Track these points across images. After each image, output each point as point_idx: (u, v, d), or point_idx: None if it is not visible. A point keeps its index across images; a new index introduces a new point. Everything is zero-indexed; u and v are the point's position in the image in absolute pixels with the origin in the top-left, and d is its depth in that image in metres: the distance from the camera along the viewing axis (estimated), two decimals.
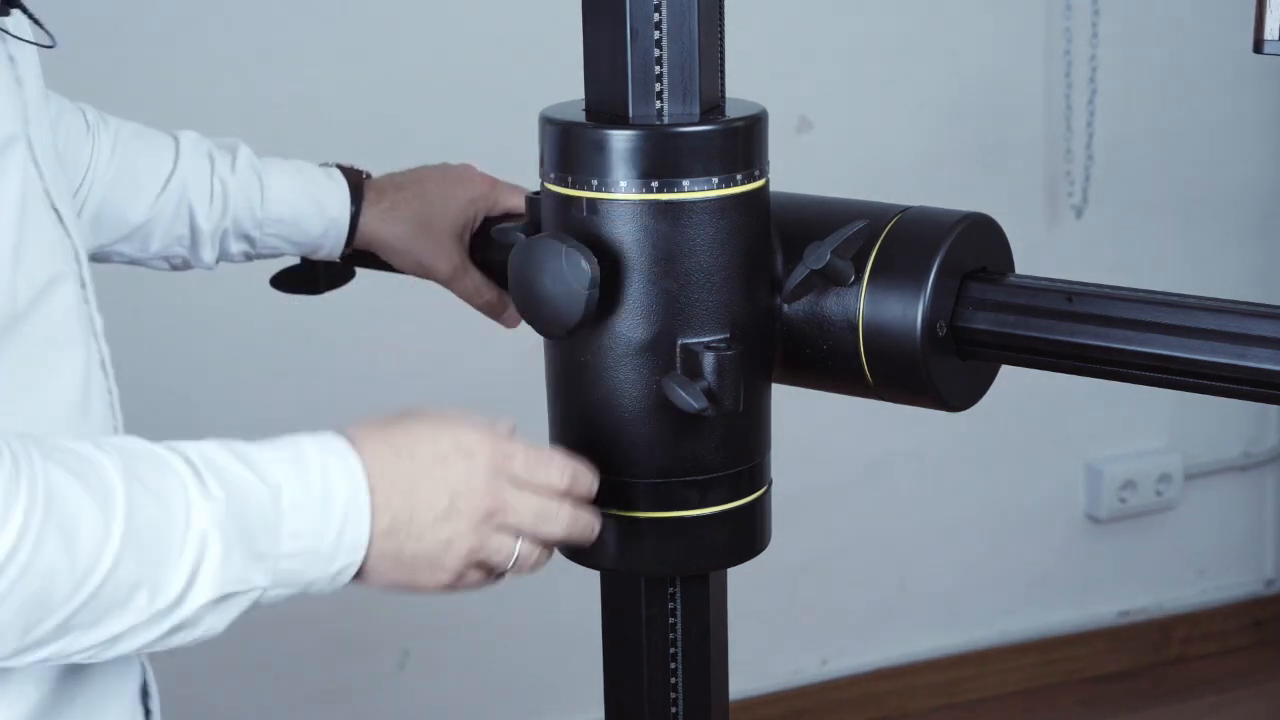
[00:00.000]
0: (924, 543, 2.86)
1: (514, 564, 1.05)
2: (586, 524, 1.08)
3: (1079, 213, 2.77)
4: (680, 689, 1.17)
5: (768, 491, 1.15)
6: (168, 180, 1.36)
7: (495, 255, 1.39)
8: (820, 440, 2.63)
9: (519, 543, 1.04)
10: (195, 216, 1.37)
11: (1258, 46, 0.91)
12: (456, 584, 1.04)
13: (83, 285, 1.06)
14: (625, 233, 1.06)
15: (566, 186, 1.08)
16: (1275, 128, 2.91)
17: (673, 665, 1.16)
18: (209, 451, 0.95)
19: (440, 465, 1.01)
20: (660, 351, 1.07)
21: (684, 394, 1.05)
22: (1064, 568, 2.97)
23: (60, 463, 0.89)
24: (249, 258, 1.42)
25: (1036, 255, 2.49)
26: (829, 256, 1.06)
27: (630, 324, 1.07)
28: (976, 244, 1.10)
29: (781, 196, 1.15)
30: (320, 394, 2.37)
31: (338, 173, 1.41)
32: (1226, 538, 3.08)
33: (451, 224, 1.39)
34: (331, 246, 1.40)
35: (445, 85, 2.38)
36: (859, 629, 2.86)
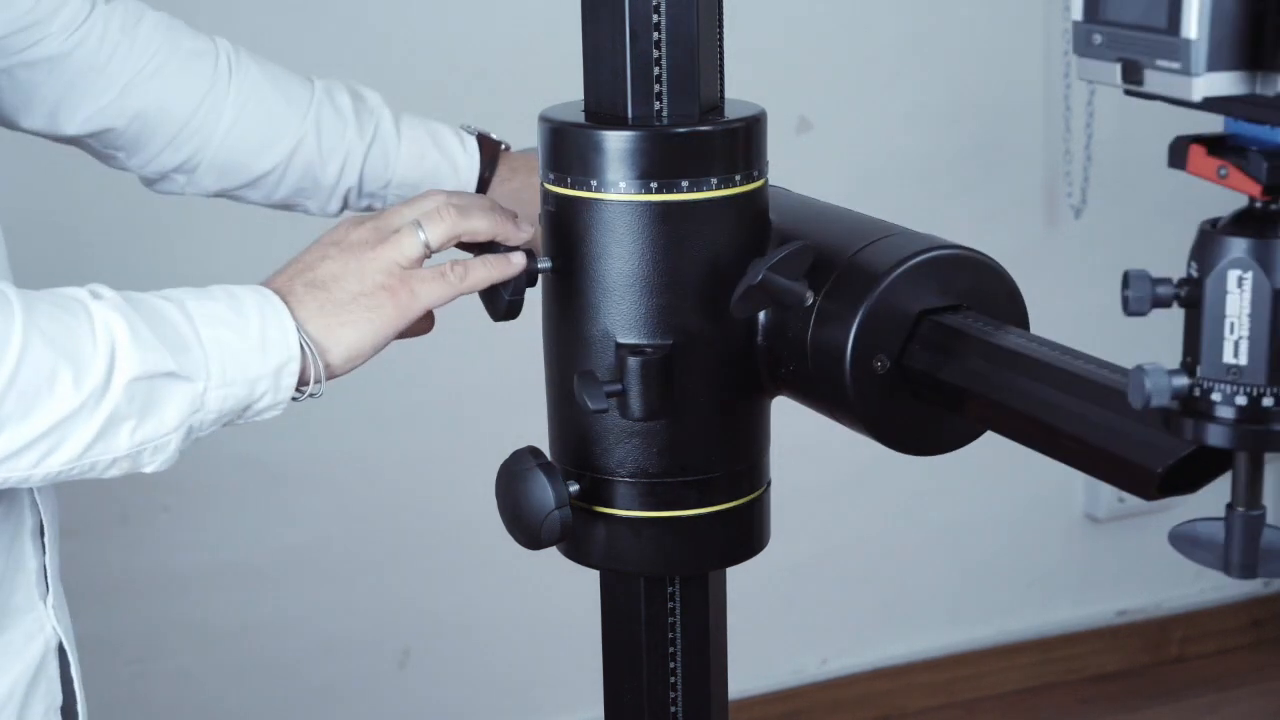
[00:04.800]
0: (923, 542, 2.86)
1: (429, 240, 1.09)
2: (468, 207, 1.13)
3: (1078, 213, 2.77)
4: (680, 688, 1.17)
5: (766, 491, 1.16)
6: (292, 134, 1.35)
7: None
8: (820, 440, 2.62)
9: (419, 231, 1.09)
10: (321, 173, 1.37)
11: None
12: (408, 285, 1.08)
13: None
14: (621, 232, 1.07)
15: (565, 187, 1.09)
16: None
17: (672, 664, 1.17)
18: (101, 287, 1.02)
19: (317, 244, 1.11)
20: (607, 351, 1.08)
21: (585, 394, 1.06)
22: (1062, 567, 2.97)
23: None
24: (371, 209, 1.42)
25: (1035, 255, 2.49)
26: (764, 274, 1.04)
27: (588, 322, 1.08)
28: (951, 280, 1.06)
29: (784, 196, 1.15)
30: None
31: (474, 144, 1.39)
32: None
33: None
34: None
35: (445, 86, 2.39)
36: (859, 628, 2.86)
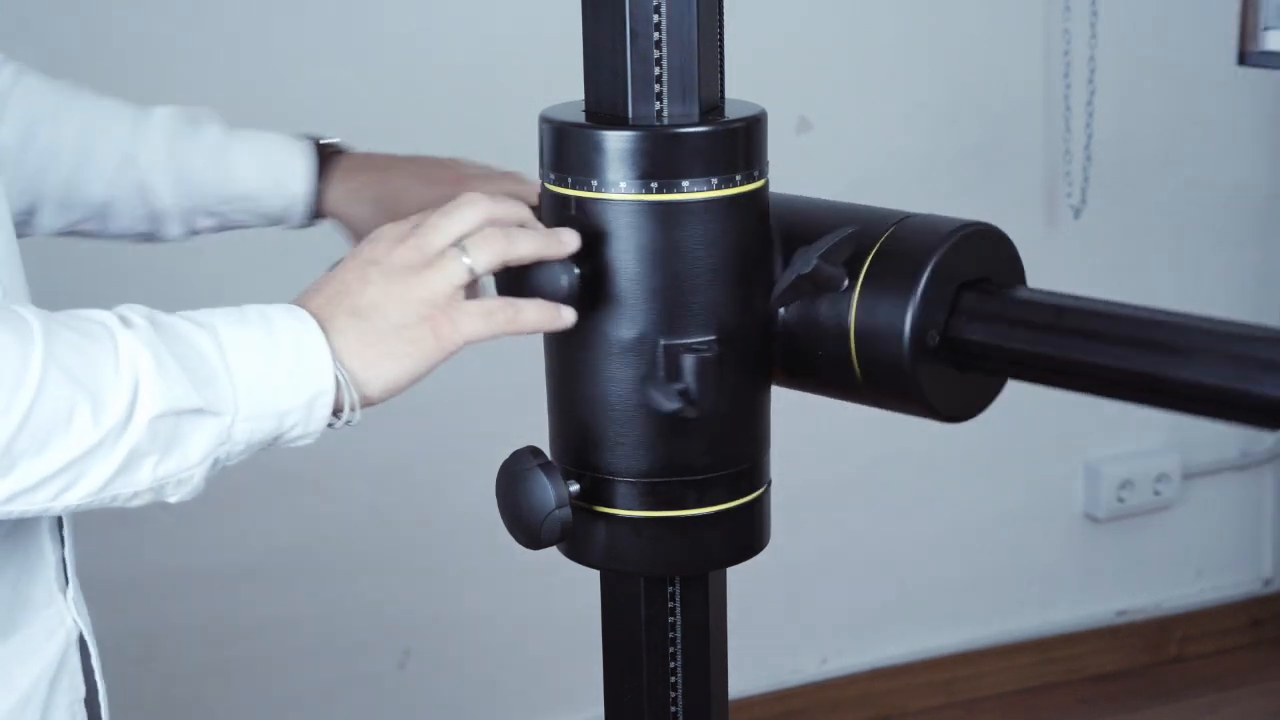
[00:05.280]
0: (923, 542, 2.86)
1: (475, 262, 1.05)
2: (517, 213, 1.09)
3: (1077, 213, 2.77)
4: (680, 688, 1.17)
5: (767, 491, 1.16)
6: (126, 160, 1.36)
7: None
8: (820, 440, 2.63)
9: (464, 256, 1.05)
10: (156, 196, 1.37)
11: (1242, 59, 0.91)
12: (450, 317, 1.04)
13: None
14: (623, 233, 1.07)
15: (566, 187, 1.09)
16: (1272, 129, 2.91)
17: (672, 664, 1.17)
18: (133, 309, 0.99)
19: (355, 262, 1.06)
20: (644, 351, 1.08)
21: (658, 395, 1.06)
22: (1062, 567, 2.97)
23: None
24: (220, 229, 1.42)
25: (1035, 255, 2.47)
26: (815, 262, 1.06)
27: (618, 324, 1.08)
28: (977, 254, 1.09)
29: (785, 198, 1.15)
30: None
31: (306, 148, 1.40)
32: (1224, 537, 3.08)
33: (407, 215, 1.39)
34: (294, 220, 1.41)
35: (445, 86, 2.39)
36: (859, 628, 2.86)
